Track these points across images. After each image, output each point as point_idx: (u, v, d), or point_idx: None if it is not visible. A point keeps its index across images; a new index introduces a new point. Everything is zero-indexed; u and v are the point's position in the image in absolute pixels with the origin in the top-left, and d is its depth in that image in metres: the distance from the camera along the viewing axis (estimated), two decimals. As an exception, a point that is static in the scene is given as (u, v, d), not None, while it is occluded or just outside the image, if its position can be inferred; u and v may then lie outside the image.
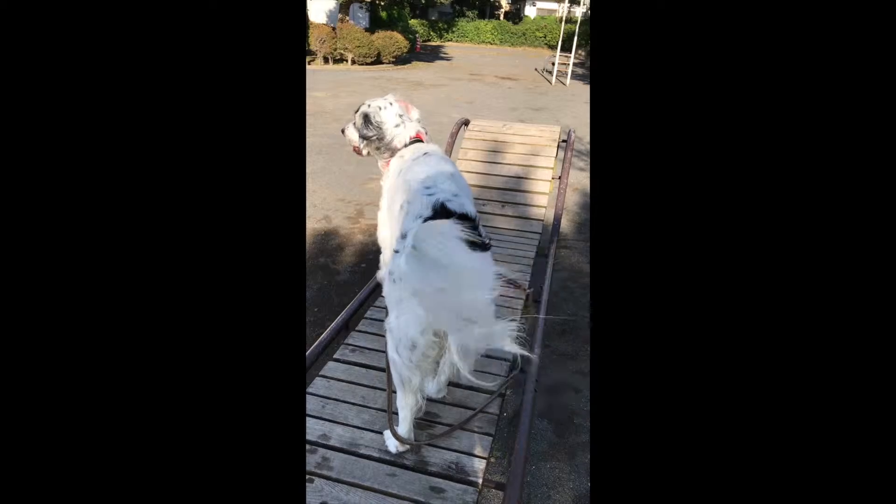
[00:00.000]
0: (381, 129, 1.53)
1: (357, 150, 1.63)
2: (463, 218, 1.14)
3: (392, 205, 1.35)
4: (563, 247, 3.95)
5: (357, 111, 1.60)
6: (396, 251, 1.18)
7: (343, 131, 1.66)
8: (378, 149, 1.58)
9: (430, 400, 1.49)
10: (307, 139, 5.74)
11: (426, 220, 1.13)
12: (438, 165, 1.35)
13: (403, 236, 1.17)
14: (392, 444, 1.31)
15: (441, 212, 1.13)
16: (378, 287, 1.93)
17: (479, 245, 1.10)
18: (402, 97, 1.63)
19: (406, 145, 1.52)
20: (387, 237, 1.43)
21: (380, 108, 1.55)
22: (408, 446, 1.31)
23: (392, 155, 1.54)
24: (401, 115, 1.56)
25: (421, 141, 1.55)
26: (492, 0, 28.92)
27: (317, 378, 1.59)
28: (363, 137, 1.57)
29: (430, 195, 1.18)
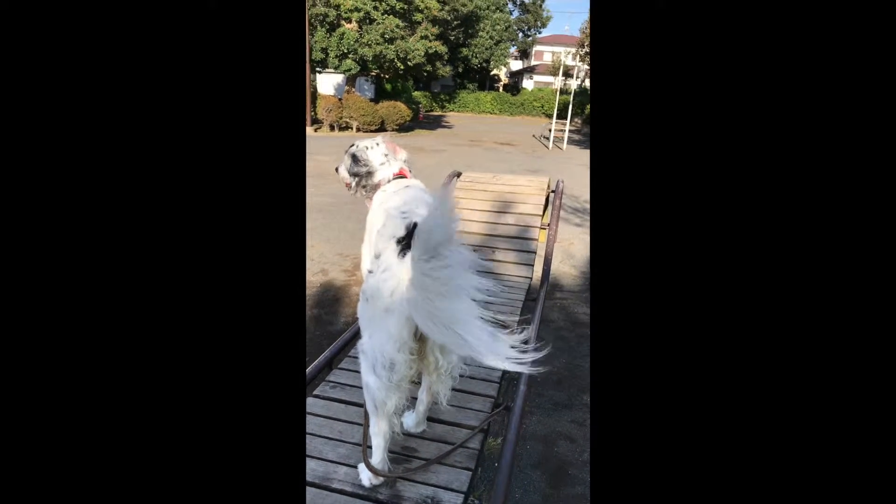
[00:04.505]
0: (367, 165, 1.60)
1: (349, 187, 1.69)
2: None
3: (371, 232, 1.38)
4: (560, 297, 3.94)
5: (346, 151, 1.67)
6: (370, 272, 1.19)
7: (336, 169, 1.74)
8: (365, 186, 1.64)
9: (409, 435, 1.44)
10: (309, 199, 5.87)
11: (399, 240, 1.15)
12: (417, 194, 1.40)
13: (377, 256, 1.19)
14: (366, 478, 1.26)
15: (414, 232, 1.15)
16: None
17: None
18: (390, 140, 1.71)
19: (390, 181, 1.58)
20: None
21: (367, 148, 1.62)
22: (382, 479, 1.26)
23: (376, 191, 1.59)
24: (386, 155, 1.62)
25: (404, 177, 1.60)
26: (491, 74, 30.56)
27: (295, 414, 1.54)
28: (353, 175, 1.63)
29: (405, 218, 1.21)
